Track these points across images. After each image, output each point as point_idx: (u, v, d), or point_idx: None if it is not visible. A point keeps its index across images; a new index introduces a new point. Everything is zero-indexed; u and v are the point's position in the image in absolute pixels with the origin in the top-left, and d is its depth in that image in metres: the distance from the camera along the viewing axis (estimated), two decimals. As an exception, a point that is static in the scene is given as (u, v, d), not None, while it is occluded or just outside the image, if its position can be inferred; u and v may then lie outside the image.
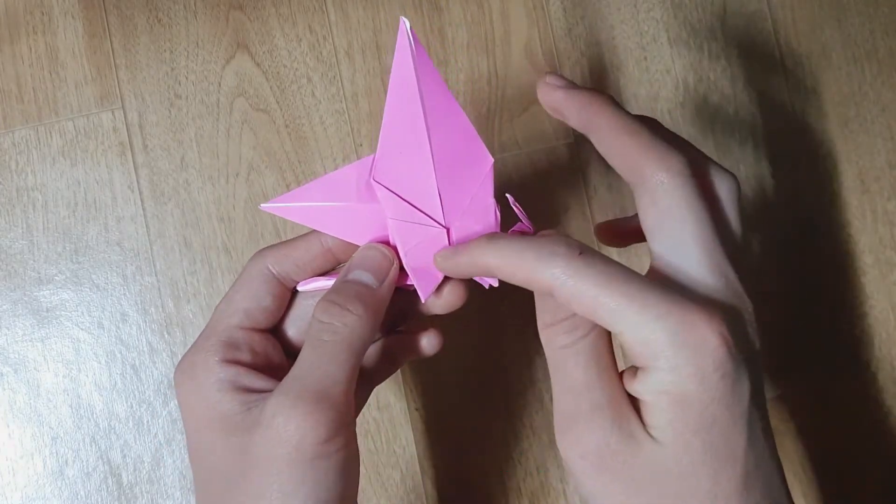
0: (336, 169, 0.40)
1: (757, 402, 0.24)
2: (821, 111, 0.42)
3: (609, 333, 0.25)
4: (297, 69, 0.41)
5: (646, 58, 0.42)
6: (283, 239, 0.40)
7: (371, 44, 0.41)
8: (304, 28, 0.41)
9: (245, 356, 0.28)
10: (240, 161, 0.40)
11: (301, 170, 0.40)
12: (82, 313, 0.40)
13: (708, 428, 0.23)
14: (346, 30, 0.41)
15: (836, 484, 0.40)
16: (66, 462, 0.39)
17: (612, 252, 0.40)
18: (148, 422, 0.39)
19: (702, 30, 0.42)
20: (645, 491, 0.23)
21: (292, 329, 0.30)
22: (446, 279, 0.29)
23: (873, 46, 0.42)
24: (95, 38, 0.41)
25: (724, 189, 0.26)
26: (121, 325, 0.40)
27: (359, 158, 0.40)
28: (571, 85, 0.27)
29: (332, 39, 0.41)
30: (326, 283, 0.29)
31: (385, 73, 0.41)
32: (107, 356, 0.40)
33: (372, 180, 0.28)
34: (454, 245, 0.28)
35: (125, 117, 0.40)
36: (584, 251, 0.24)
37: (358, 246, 0.29)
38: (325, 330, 0.26)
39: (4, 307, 0.40)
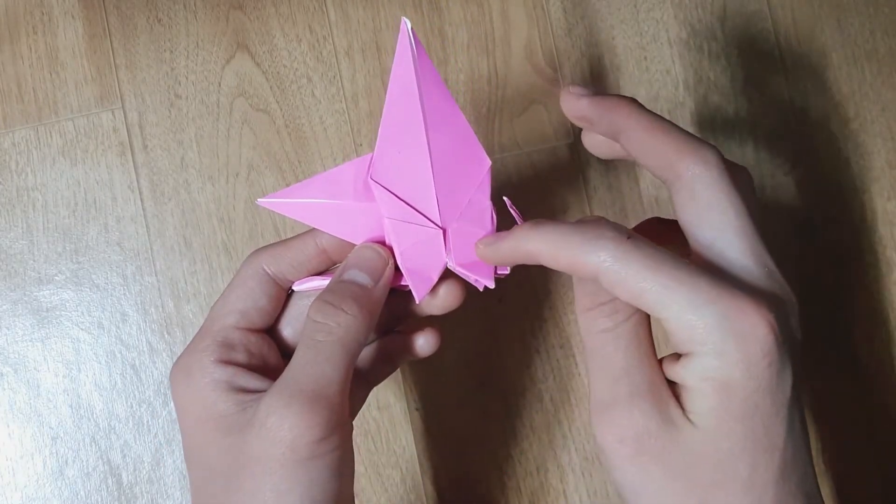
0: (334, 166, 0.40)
1: (797, 394, 0.24)
2: (821, 111, 0.42)
3: (649, 319, 0.25)
4: (297, 69, 0.41)
5: (646, 58, 0.42)
6: (283, 238, 0.40)
7: (371, 44, 0.41)
8: (304, 28, 0.41)
9: (240, 356, 0.28)
10: (240, 161, 0.40)
11: (301, 170, 0.40)
12: (82, 313, 0.40)
13: (750, 416, 0.23)
14: (346, 30, 0.41)
15: (835, 484, 0.40)
16: (66, 462, 0.39)
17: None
18: (148, 422, 0.39)
19: (702, 30, 0.42)
20: (682, 477, 0.23)
21: (288, 329, 0.30)
22: (442, 280, 0.29)
23: (873, 46, 0.42)
24: (95, 38, 0.41)
25: (743, 181, 0.26)
26: (121, 325, 0.40)
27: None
28: (594, 91, 0.27)
29: (332, 39, 0.41)
30: (322, 282, 0.29)
31: (385, 73, 0.41)
32: (107, 356, 0.40)
33: (369, 179, 0.28)
34: (494, 233, 0.28)
35: (125, 117, 0.40)
36: (631, 235, 0.24)
37: (353, 245, 0.29)
38: (319, 330, 0.26)
39: (4, 307, 0.40)
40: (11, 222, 0.40)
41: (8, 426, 0.39)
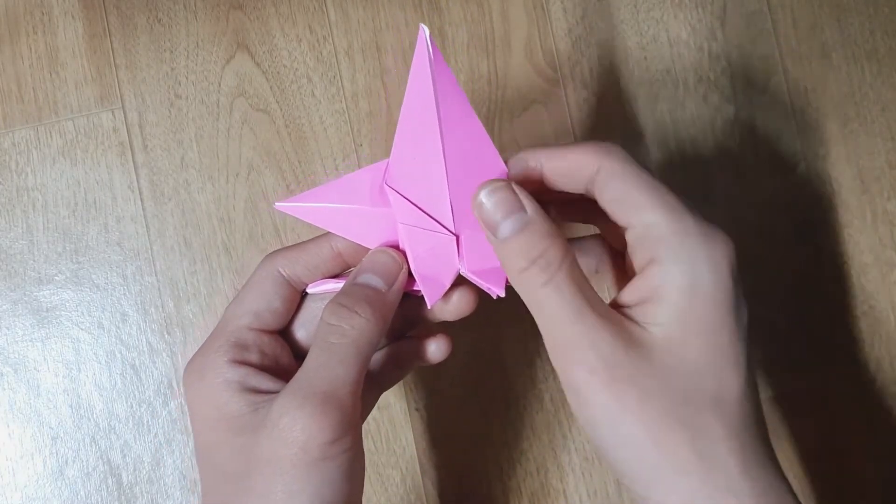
0: (338, 170, 0.40)
1: (748, 340, 0.25)
2: (821, 111, 0.42)
3: (577, 262, 0.26)
4: (297, 69, 0.41)
5: (646, 58, 0.42)
6: (283, 239, 0.40)
7: (371, 44, 0.41)
8: (304, 28, 0.41)
9: (254, 357, 0.28)
10: (240, 161, 0.40)
11: (301, 170, 0.40)
12: (82, 313, 0.40)
13: (715, 330, 0.24)
14: (346, 30, 0.41)
15: (835, 484, 0.40)
16: (66, 462, 0.39)
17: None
18: (148, 422, 0.39)
19: (702, 30, 0.42)
20: (655, 396, 0.24)
21: (301, 331, 0.30)
22: (454, 286, 0.29)
23: (873, 46, 0.42)
24: (95, 38, 0.41)
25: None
26: (121, 325, 0.40)
27: (358, 158, 0.40)
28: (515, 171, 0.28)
29: (332, 39, 0.41)
30: (336, 285, 0.29)
31: (385, 72, 0.41)
32: (107, 356, 0.40)
33: (384, 185, 0.28)
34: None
35: (125, 117, 0.40)
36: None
37: (368, 250, 0.29)
38: (333, 332, 0.26)
39: (4, 307, 0.40)
40: (11, 222, 0.40)
41: (8, 426, 0.39)
